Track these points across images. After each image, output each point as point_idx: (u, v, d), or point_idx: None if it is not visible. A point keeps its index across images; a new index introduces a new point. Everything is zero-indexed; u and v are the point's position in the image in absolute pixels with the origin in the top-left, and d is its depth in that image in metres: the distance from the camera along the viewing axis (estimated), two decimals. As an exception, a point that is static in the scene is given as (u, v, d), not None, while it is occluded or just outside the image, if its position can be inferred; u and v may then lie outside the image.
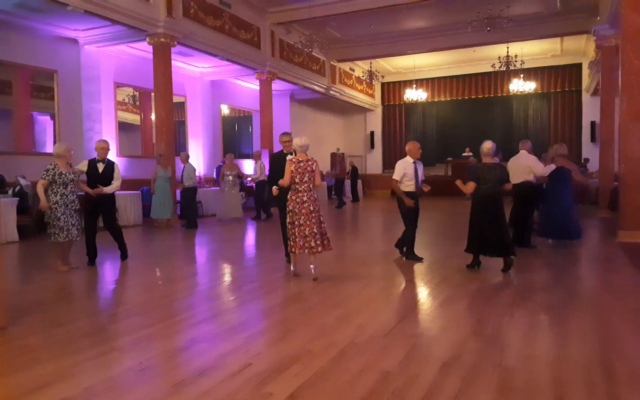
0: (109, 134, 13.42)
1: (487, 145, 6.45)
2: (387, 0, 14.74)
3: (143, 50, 13.20)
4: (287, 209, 6.05)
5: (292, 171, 5.92)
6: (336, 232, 11.53)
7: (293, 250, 6.04)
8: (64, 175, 6.40)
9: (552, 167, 7.95)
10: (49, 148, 12.32)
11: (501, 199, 6.40)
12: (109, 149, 7.26)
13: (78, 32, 12.31)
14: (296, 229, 5.95)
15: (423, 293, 5.62)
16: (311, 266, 6.03)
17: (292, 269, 6.26)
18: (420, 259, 7.14)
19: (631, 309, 4.74)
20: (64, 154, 6.50)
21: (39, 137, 12.49)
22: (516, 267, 6.56)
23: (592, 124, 20.45)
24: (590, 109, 20.49)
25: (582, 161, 18.54)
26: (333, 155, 17.81)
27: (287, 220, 6.07)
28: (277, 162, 6.70)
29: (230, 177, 12.96)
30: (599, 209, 13.33)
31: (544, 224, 8.34)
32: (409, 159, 7.02)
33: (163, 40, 12.04)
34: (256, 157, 14.22)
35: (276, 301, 5.27)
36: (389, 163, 25.49)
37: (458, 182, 6.60)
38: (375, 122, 26.00)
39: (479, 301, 5.04)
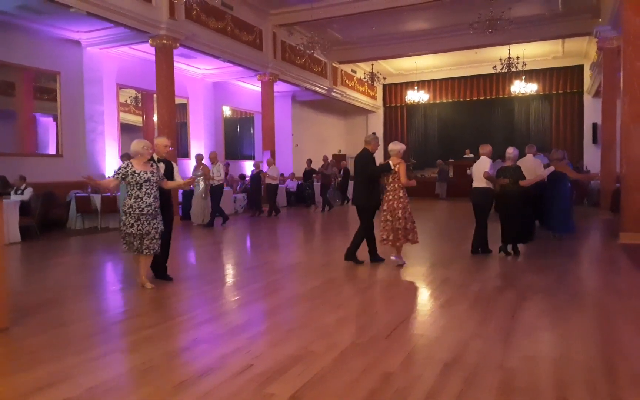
0: (111, 135, 13.47)
1: (509, 150, 7.72)
2: (389, 2, 14.76)
3: (145, 51, 13.24)
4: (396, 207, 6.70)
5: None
6: (335, 233, 11.54)
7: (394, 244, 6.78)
8: (137, 175, 5.53)
9: (551, 169, 8.75)
10: (52, 149, 12.37)
11: (520, 195, 7.48)
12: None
13: (81, 34, 12.36)
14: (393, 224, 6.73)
15: (425, 294, 5.62)
16: (392, 257, 6.89)
17: (393, 258, 6.91)
18: (490, 251, 7.65)
19: (633, 310, 4.73)
20: (141, 151, 5.67)
21: (42, 138, 12.53)
22: (517, 269, 6.61)
23: (594, 125, 20.41)
24: (592, 111, 20.47)
25: (584, 170, 18.56)
26: (325, 158, 17.36)
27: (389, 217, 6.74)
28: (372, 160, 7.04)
29: (199, 180, 11.94)
30: (601, 210, 13.30)
31: (547, 219, 9.31)
32: (488, 158, 7.66)
33: (165, 41, 12.07)
34: (213, 159, 12.47)
35: (277, 302, 5.28)
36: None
37: (499, 181, 7.54)
38: (376, 124, 25.99)
39: (481, 302, 5.03)
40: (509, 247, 7.61)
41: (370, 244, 7.04)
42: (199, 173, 11.95)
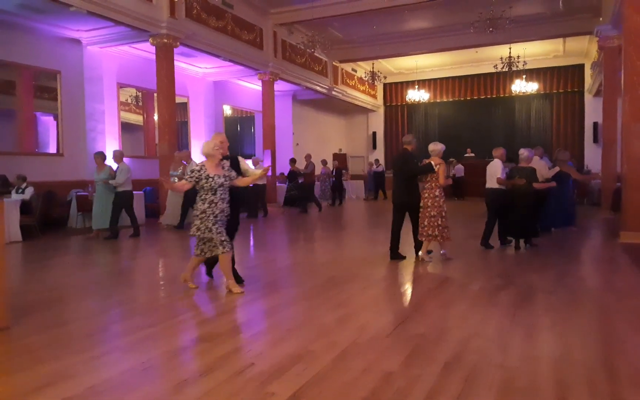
0: (111, 134, 13.47)
1: (521, 151, 8.27)
2: (390, 1, 14.76)
3: (146, 50, 13.25)
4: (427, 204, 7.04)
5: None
6: (334, 233, 11.54)
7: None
8: (211, 179, 5.27)
9: (556, 169, 9.46)
10: (52, 148, 12.37)
11: (531, 195, 7.89)
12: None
13: (81, 33, 12.36)
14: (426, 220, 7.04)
15: (425, 293, 5.62)
16: (441, 251, 7.25)
17: (426, 252, 7.21)
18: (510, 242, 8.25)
19: (633, 310, 4.73)
20: (212, 152, 5.33)
21: (42, 137, 12.54)
22: (517, 268, 6.62)
23: (595, 124, 20.41)
24: (593, 110, 20.46)
25: (585, 169, 18.62)
26: (308, 156, 16.71)
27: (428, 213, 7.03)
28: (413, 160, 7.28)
29: (176, 178, 10.87)
30: (602, 209, 13.29)
31: (550, 215, 9.83)
32: (498, 161, 8.13)
33: (166, 40, 12.08)
34: (186, 158, 11.68)
35: (278, 301, 5.27)
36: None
37: (514, 181, 7.98)
38: (377, 123, 26.00)
39: (481, 302, 5.03)
40: (519, 242, 8.11)
41: (393, 241, 7.26)
42: (178, 172, 11.09)
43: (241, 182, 5.63)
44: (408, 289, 5.83)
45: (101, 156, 10.10)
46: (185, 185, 5.53)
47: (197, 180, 5.30)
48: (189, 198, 10.92)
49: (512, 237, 8.15)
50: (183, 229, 10.82)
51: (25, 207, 9.86)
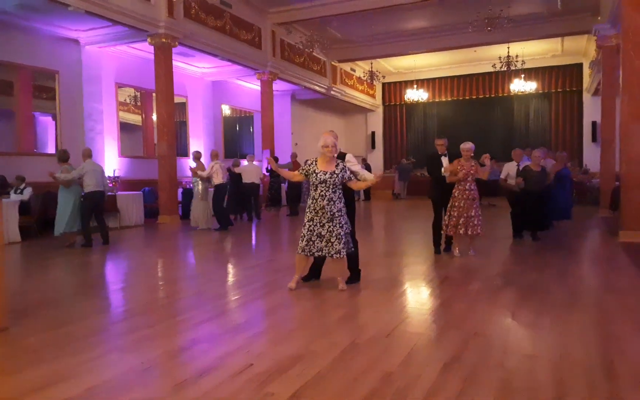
0: (110, 134, 13.47)
1: (535, 153, 9.01)
2: (388, 1, 14.76)
3: (144, 50, 13.24)
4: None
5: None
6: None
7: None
8: (314, 175, 5.24)
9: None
10: (51, 148, 12.36)
11: (532, 192, 8.74)
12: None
13: (79, 33, 12.34)
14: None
15: (424, 293, 5.62)
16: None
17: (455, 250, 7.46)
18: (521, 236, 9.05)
19: (633, 309, 4.74)
20: (322, 150, 5.28)
21: (41, 137, 12.53)
22: (517, 267, 6.62)
23: (593, 124, 20.43)
24: (591, 109, 20.48)
25: (584, 167, 18.70)
26: (293, 155, 16.17)
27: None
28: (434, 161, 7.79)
29: (197, 181, 11.23)
30: (600, 208, 13.31)
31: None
32: (514, 163, 9.25)
33: (164, 40, 12.06)
34: (213, 156, 11.58)
35: (278, 302, 5.27)
36: (389, 163, 25.50)
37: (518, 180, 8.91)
38: (376, 123, 26.00)
39: (480, 301, 5.04)
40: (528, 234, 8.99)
41: (433, 235, 7.83)
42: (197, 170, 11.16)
43: (354, 185, 5.49)
44: (407, 289, 5.83)
45: (58, 154, 9.35)
46: (296, 175, 5.65)
47: (306, 173, 5.38)
48: (219, 199, 11.21)
49: (525, 230, 9.03)
50: (227, 230, 11.04)
51: (24, 208, 9.85)
